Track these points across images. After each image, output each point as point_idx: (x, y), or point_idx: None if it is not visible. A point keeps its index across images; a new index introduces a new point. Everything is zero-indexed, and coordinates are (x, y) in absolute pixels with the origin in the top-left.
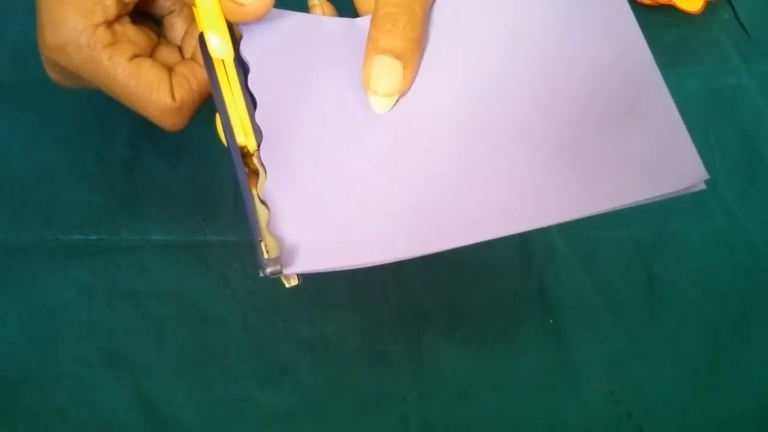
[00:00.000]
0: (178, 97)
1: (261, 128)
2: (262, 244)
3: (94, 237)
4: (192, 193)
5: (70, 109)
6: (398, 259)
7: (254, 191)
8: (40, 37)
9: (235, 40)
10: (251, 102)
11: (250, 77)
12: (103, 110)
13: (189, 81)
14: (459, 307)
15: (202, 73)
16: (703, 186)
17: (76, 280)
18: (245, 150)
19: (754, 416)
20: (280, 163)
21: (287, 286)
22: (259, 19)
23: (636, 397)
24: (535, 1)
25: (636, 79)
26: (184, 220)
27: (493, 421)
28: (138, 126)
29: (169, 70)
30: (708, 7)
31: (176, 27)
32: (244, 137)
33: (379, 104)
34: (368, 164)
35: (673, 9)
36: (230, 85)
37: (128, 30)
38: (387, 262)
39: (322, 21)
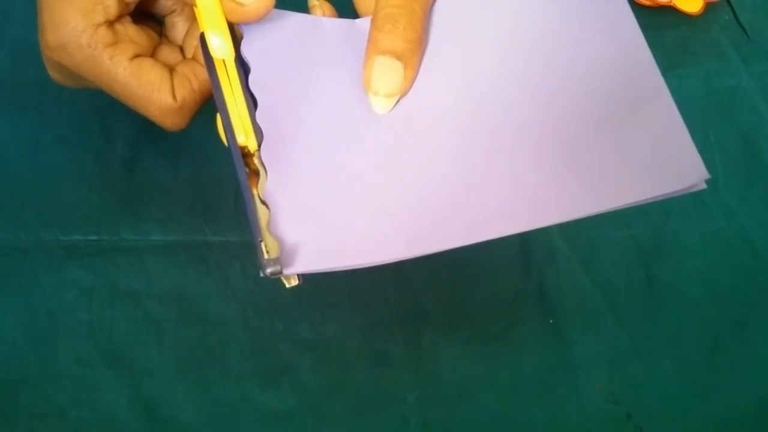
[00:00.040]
0: (179, 96)
1: (261, 128)
2: (263, 245)
3: (94, 237)
4: (192, 193)
5: (70, 110)
6: (398, 259)
7: (255, 191)
8: (42, 37)
9: (236, 40)
10: (252, 102)
11: (250, 77)
12: (103, 110)
13: (190, 81)
14: (459, 308)
15: (203, 73)
16: (703, 185)
17: (76, 280)
18: (246, 150)
19: (754, 416)
20: (280, 164)
21: (287, 286)
22: (260, 19)
23: (636, 397)
24: (536, 2)
25: (636, 79)
26: (184, 220)
27: (493, 422)
28: (138, 126)
29: (171, 69)
30: (708, 8)
31: (177, 27)
32: (244, 137)
33: (380, 105)
34: (368, 164)
35: (672, 10)
36: (231, 85)
37: (129, 30)
38: (387, 262)
39: (322, 22)
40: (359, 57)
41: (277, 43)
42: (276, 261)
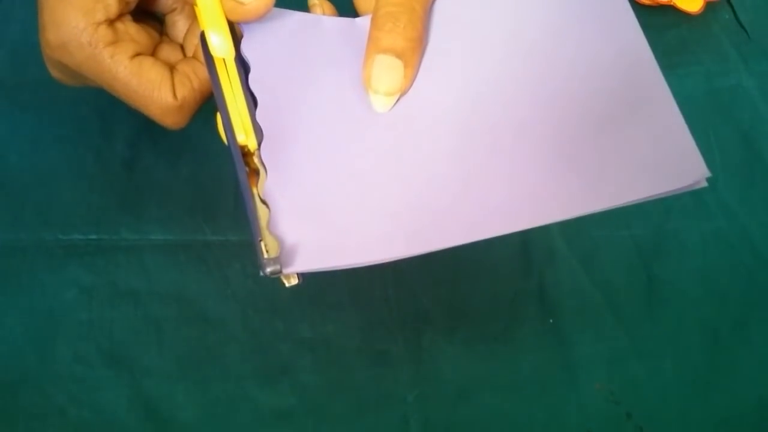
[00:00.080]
0: (179, 95)
1: (261, 127)
2: (262, 244)
3: (94, 237)
4: (192, 192)
5: (70, 109)
6: (398, 258)
7: (254, 190)
8: (42, 36)
9: (236, 39)
10: (252, 101)
11: (250, 76)
12: (103, 110)
13: (191, 79)
14: (459, 307)
15: (203, 72)
16: (704, 183)
17: (76, 279)
18: (246, 149)
19: (754, 416)
20: (280, 163)
21: (287, 285)
22: (260, 18)
23: (636, 397)
24: (536, 1)
25: (636, 78)
26: (184, 219)
27: (493, 421)
28: (138, 126)
29: (171, 68)
30: (708, 8)
31: (178, 25)
32: (244, 136)
33: (380, 103)
34: (368, 163)
35: (673, 9)
36: (231, 84)
37: (130, 28)
38: (387, 260)
39: (322, 20)
40: (359, 56)
41: (277, 42)
42: (276, 260)
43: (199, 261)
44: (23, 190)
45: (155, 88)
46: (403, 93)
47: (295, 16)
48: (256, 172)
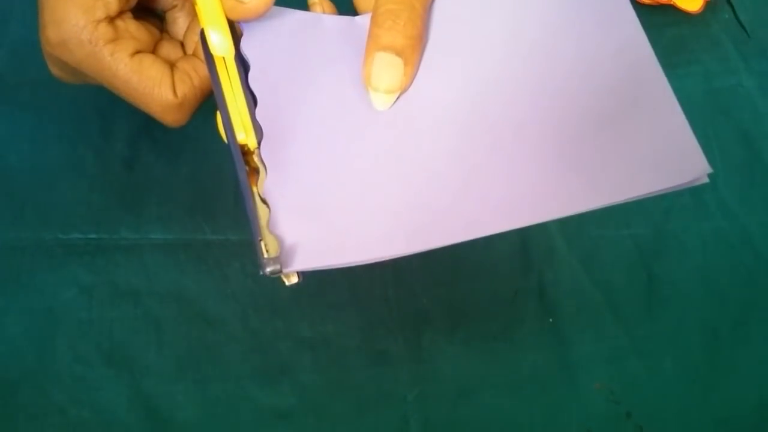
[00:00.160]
0: (179, 93)
1: (261, 126)
2: (262, 244)
3: (93, 236)
4: (192, 192)
5: (69, 108)
6: (398, 256)
7: (254, 189)
8: (42, 34)
9: (236, 37)
10: (252, 100)
11: (250, 75)
12: (103, 109)
13: (191, 77)
14: (459, 307)
15: (203, 69)
16: (706, 179)
17: (75, 279)
18: (246, 148)
19: (753, 416)
20: (280, 161)
21: (287, 284)
22: (260, 16)
23: (636, 396)
24: None
25: (637, 75)
26: (183, 219)
27: (493, 420)
28: (138, 125)
29: (171, 66)
30: (708, 7)
31: (178, 22)
32: (244, 135)
33: (380, 101)
34: (368, 161)
35: (672, 9)
36: (231, 83)
37: (130, 26)
38: (387, 258)
39: (322, 19)
40: (359, 54)
41: (277, 40)
42: (276, 260)
43: (199, 260)
44: (23, 189)
45: (155, 86)
46: (403, 91)
47: (295, 15)
48: (256, 171)
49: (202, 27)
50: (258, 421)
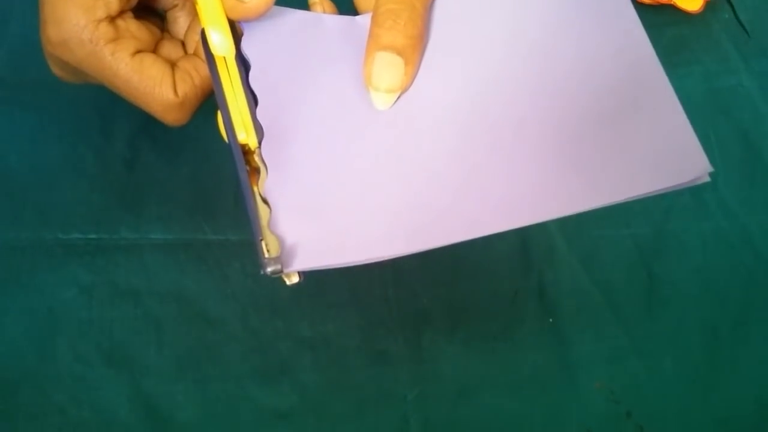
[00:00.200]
0: (180, 92)
1: (262, 126)
2: (263, 244)
3: (93, 236)
4: (192, 192)
5: (70, 108)
6: (399, 255)
7: (255, 189)
8: (43, 33)
9: (237, 37)
10: (252, 99)
11: (251, 74)
12: (103, 109)
13: (192, 76)
14: (459, 306)
15: (204, 69)
16: (707, 178)
17: (75, 278)
18: (246, 147)
19: (753, 415)
20: (280, 161)
21: (288, 283)
22: (260, 16)
23: (636, 396)
24: None
25: (637, 73)
26: (184, 219)
27: (493, 420)
28: (138, 125)
29: (172, 65)
30: (708, 7)
31: (179, 21)
32: (245, 135)
33: (381, 100)
34: (369, 161)
35: (672, 8)
36: (231, 83)
37: (131, 25)
38: (388, 258)
39: (322, 19)
40: (360, 54)
41: (277, 40)
42: (277, 260)
43: (199, 260)
44: (23, 189)
45: (156, 85)
46: (404, 90)
47: (296, 15)
48: (257, 171)
49: (202, 26)
50: (258, 420)
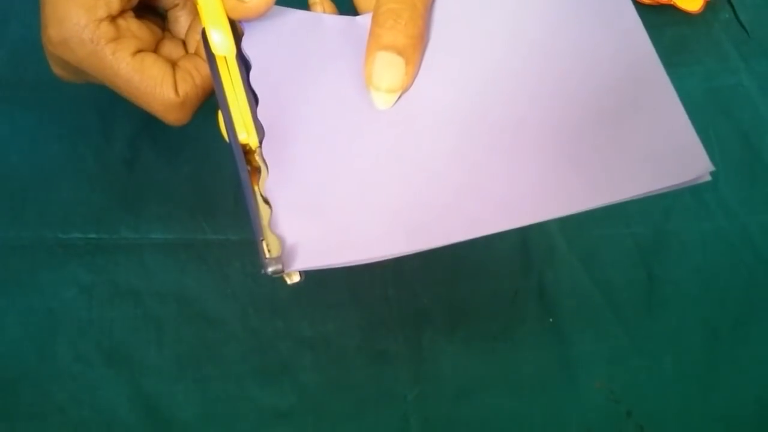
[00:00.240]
0: (181, 92)
1: (263, 125)
2: (264, 243)
3: (94, 235)
4: (192, 191)
5: (70, 108)
6: (400, 255)
7: (256, 189)
8: (44, 33)
9: (237, 36)
10: (253, 99)
11: (251, 74)
12: (103, 109)
13: (192, 76)
14: (459, 306)
15: (205, 68)
16: (708, 177)
17: (75, 278)
18: (247, 147)
19: (753, 415)
20: (281, 161)
21: (289, 282)
22: (261, 16)
23: (636, 395)
24: None
25: (638, 72)
26: (184, 218)
27: (493, 420)
28: (138, 125)
29: (173, 64)
30: (708, 7)
31: (180, 21)
32: (246, 134)
33: (381, 100)
34: (369, 161)
35: (673, 8)
36: (232, 82)
37: (132, 25)
38: (388, 257)
39: (323, 19)
40: (360, 54)
41: (278, 40)
42: (278, 260)
43: (199, 260)
44: (23, 188)
45: (157, 85)
46: (405, 90)
47: (296, 15)
48: (258, 171)
49: (203, 26)
50: (258, 420)
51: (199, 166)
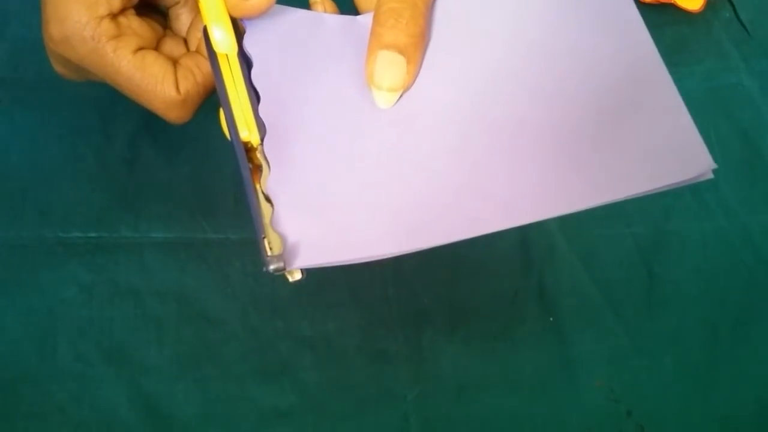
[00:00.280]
0: (182, 89)
1: (264, 123)
2: (266, 241)
3: (94, 235)
4: (192, 191)
5: (70, 107)
6: (400, 253)
7: (258, 187)
8: (45, 31)
9: (239, 34)
10: (255, 97)
11: (253, 72)
12: (103, 108)
13: (194, 74)
14: (459, 306)
15: (206, 66)
16: (710, 175)
17: (76, 277)
18: (248, 145)
19: (753, 415)
20: (283, 158)
21: (291, 280)
22: (262, 14)
23: (636, 395)
24: None
25: (639, 71)
26: (184, 218)
27: (493, 420)
28: (138, 124)
29: (174, 62)
30: (708, 6)
31: (181, 18)
32: (247, 132)
33: (383, 99)
34: (370, 159)
35: (673, 8)
36: (234, 80)
37: (133, 22)
38: (389, 256)
39: (324, 18)
40: (361, 53)
41: (279, 38)
42: (279, 258)
43: (199, 259)
44: (23, 187)
45: (158, 83)
46: (406, 89)
47: (297, 13)
48: (259, 168)
49: (205, 24)
50: (258, 420)
51: (199, 166)
